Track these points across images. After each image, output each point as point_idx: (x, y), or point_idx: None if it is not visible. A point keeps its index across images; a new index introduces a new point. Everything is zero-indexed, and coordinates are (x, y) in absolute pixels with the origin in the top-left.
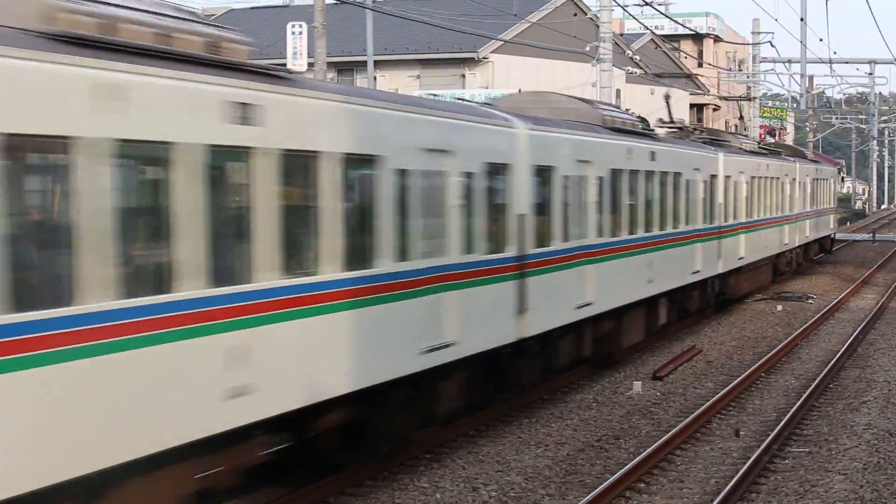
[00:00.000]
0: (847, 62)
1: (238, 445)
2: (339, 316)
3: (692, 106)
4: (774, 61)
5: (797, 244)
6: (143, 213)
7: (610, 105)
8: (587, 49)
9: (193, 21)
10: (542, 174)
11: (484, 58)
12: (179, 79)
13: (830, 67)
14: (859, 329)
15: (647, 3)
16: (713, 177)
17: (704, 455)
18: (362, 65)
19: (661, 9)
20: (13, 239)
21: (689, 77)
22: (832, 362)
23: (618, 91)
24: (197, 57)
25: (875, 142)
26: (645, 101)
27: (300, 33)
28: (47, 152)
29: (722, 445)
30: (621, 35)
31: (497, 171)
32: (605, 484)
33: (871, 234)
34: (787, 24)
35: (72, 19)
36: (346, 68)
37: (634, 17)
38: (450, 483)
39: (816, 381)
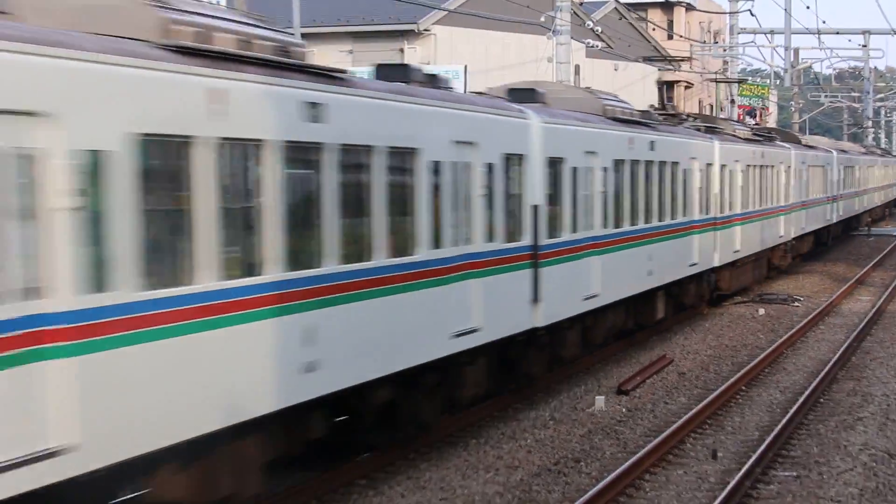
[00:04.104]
0: (838, 33)
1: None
2: (661, 244)
3: (661, 83)
4: (755, 32)
5: (835, 221)
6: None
7: (733, 120)
8: (542, 20)
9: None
10: (710, 167)
11: (425, 30)
12: (617, 130)
13: (818, 39)
14: (853, 336)
15: None
16: (788, 167)
17: (677, 480)
18: None
19: None
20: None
21: (658, 51)
22: (823, 373)
23: (577, 67)
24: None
25: (870, 122)
26: (608, 79)
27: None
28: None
29: (697, 469)
30: (581, 4)
31: (709, 166)
32: None
33: (866, 228)
34: None
35: None
36: None
37: None
38: None
39: (805, 395)
